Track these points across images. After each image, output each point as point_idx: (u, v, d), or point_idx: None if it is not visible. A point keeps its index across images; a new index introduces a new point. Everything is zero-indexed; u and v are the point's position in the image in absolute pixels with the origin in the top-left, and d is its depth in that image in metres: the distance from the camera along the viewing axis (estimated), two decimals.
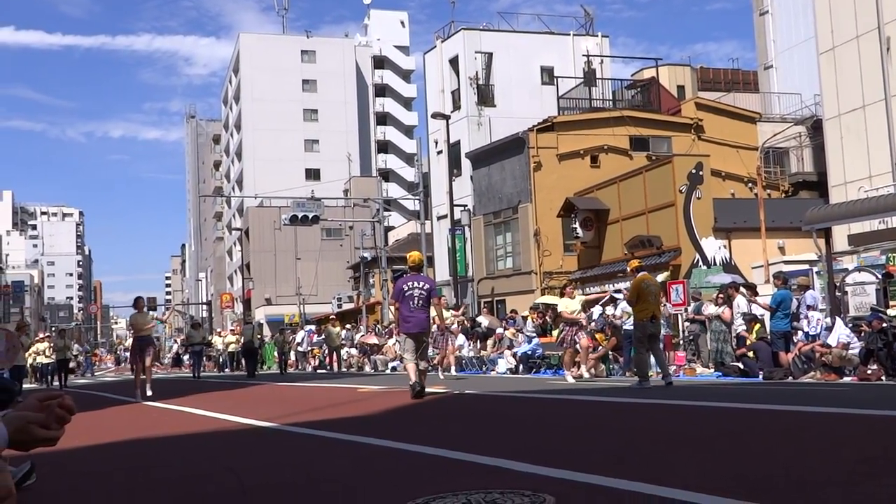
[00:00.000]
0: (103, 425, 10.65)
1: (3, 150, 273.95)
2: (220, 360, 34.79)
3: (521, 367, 20.13)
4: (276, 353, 32.97)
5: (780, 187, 30.18)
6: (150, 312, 16.45)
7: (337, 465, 5.45)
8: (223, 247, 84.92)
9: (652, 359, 13.31)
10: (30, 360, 25.81)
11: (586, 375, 15.11)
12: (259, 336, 30.08)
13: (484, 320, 24.93)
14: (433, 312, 12.38)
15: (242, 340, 27.38)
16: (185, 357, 32.04)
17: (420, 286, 11.44)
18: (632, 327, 17.18)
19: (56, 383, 26.18)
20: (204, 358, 30.67)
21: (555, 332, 18.60)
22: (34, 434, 1.76)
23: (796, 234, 23.97)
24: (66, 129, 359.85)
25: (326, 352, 30.89)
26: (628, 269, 13.35)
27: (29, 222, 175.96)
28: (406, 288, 11.42)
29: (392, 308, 12.26)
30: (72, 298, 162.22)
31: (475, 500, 3.73)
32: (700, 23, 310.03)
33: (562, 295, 15.94)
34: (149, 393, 14.15)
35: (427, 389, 11.29)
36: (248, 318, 28.64)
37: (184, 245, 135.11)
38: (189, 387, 18.74)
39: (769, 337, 14.70)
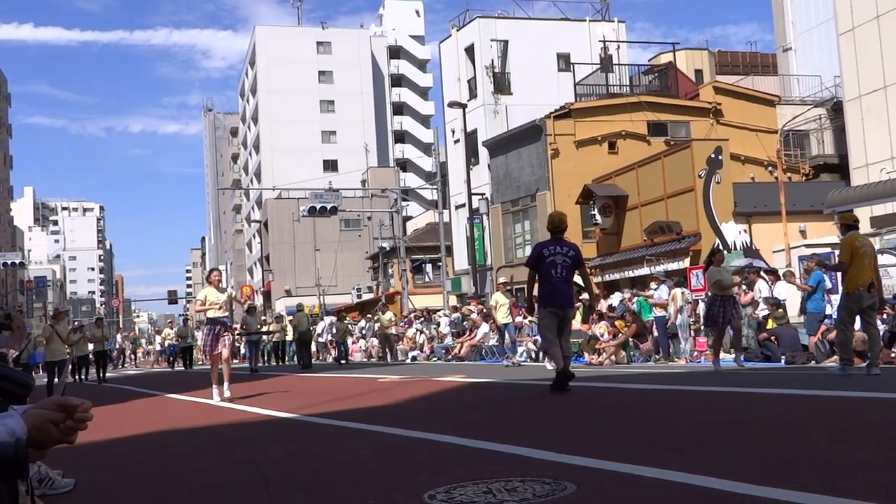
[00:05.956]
0: (129, 417, 10.75)
1: (25, 146, 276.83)
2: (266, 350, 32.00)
3: (541, 354, 20.09)
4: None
5: (800, 170, 29.90)
6: (228, 290, 12.82)
7: (357, 455, 5.46)
8: (242, 239, 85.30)
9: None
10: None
11: (736, 364, 12.51)
12: (312, 326, 27.97)
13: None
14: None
15: (298, 329, 25.61)
16: (241, 347, 28.65)
17: (563, 251, 9.40)
18: (662, 314, 17.08)
19: (87, 376, 24.02)
20: (263, 348, 28.23)
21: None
22: (52, 434, 1.76)
23: (818, 217, 23.79)
24: (86, 124, 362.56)
25: (373, 342, 29.34)
26: (837, 225, 10.26)
27: (50, 218, 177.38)
28: (547, 253, 9.37)
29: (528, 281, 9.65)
30: (93, 293, 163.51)
31: (495, 488, 3.72)
32: (718, 5, 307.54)
33: (709, 264, 13.23)
34: (227, 393, 11.63)
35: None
36: (299, 305, 26.75)
37: (203, 238, 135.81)
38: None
39: (805, 319, 14.43)
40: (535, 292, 9.55)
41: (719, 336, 12.61)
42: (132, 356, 50.61)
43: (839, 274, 10.61)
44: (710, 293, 12.67)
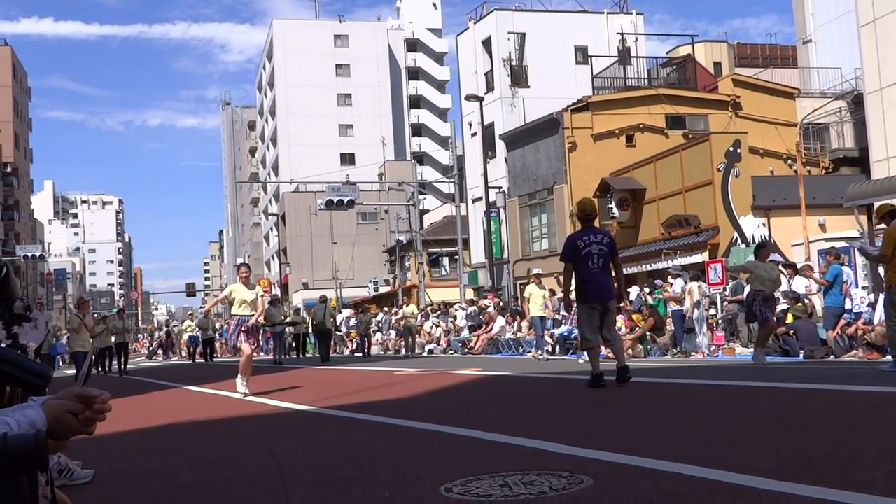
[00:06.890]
0: (149, 409, 10.82)
1: (44, 140, 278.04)
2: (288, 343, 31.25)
3: (557, 348, 20.08)
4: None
5: (820, 164, 29.67)
6: (257, 287, 12.47)
7: (374, 448, 5.48)
8: (260, 232, 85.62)
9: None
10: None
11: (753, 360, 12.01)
12: (332, 318, 27.46)
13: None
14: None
15: (314, 321, 25.35)
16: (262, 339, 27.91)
17: (598, 240, 8.85)
18: (678, 308, 17.04)
19: (109, 368, 23.86)
20: (287, 341, 27.87)
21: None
22: (71, 425, 1.77)
23: (837, 210, 23.59)
24: (105, 118, 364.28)
25: (395, 336, 29.15)
26: (877, 216, 9.89)
27: (70, 211, 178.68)
28: (581, 244, 8.82)
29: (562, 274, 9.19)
30: (113, 285, 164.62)
31: (512, 481, 3.73)
32: None
33: (756, 257, 12.74)
34: (245, 390, 11.30)
35: None
36: (322, 297, 26.39)
37: (221, 231, 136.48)
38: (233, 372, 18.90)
39: (823, 313, 14.34)
40: (573, 287, 9.06)
41: (767, 332, 12.20)
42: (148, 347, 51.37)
43: (858, 267, 10.51)
44: (751, 287, 12.31)
